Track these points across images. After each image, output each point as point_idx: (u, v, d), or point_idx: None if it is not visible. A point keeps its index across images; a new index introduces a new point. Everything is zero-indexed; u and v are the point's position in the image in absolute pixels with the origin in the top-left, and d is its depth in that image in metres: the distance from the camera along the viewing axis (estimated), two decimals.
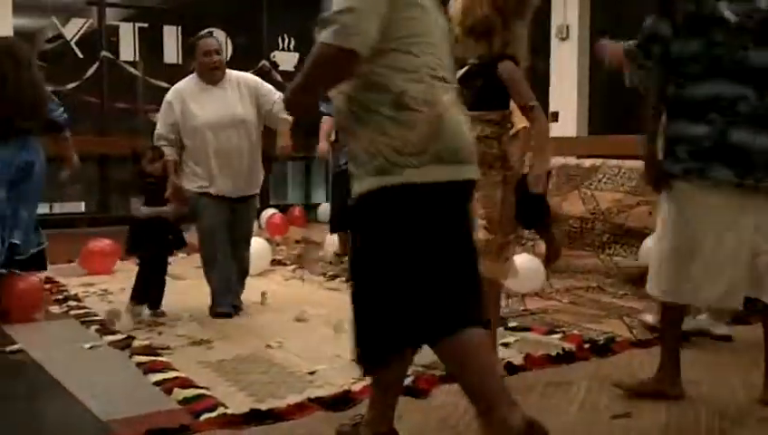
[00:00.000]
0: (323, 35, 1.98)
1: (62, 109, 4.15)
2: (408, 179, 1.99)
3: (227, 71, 4.30)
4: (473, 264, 2.16)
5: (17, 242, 3.81)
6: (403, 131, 1.99)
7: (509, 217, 2.99)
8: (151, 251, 4.10)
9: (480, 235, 2.89)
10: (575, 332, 3.74)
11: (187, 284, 5.01)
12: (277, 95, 4.24)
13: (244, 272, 4.41)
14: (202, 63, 4.20)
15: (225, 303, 4.18)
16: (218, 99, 4.19)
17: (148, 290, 4.12)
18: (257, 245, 5.39)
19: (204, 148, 4.18)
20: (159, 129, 4.27)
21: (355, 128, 2.07)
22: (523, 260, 4.52)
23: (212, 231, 4.20)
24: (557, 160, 7.11)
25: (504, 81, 2.90)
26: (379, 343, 2.13)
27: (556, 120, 7.33)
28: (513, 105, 3.01)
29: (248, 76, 4.42)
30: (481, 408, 2.01)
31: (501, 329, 3.80)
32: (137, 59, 8.95)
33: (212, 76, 4.20)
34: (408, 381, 2.93)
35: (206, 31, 4.81)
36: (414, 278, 2.02)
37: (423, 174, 1.99)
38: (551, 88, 7.39)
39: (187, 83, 4.28)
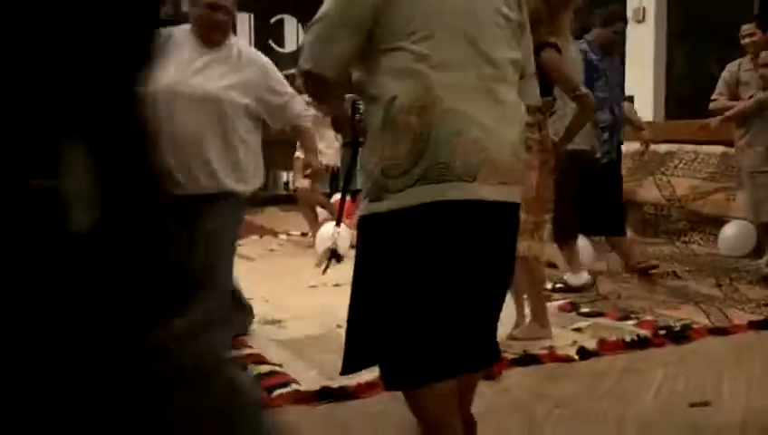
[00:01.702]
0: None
1: None
2: (390, 207, 1.74)
3: (235, 40, 3.20)
4: (485, 298, 1.86)
5: None
6: (390, 149, 1.74)
7: (544, 198, 3.16)
8: None
9: None
10: (649, 318, 3.67)
11: (256, 264, 5.09)
12: (296, 99, 3.27)
13: (231, 303, 3.22)
14: (201, 17, 3.05)
15: None
16: (198, 65, 3.04)
17: None
18: (326, 230, 5.44)
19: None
20: None
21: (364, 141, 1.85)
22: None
23: None
24: (630, 145, 6.98)
25: (546, 69, 2.94)
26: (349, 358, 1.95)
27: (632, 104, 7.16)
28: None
29: (260, 58, 3.22)
30: None
31: (573, 314, 3.77)
32: None
33: (209, 35, 3.06)
34: None
35: None
36: (400, 314, 1.78)
37: (405, 197, 1.72)
38: (626, 71, 7.21)
39: (179, 34, 3.10)
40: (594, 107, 3.27)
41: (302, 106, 3.27)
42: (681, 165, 6.36)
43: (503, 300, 1.96)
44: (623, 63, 4.99)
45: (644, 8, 6.94)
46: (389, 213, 1.74)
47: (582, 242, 4.66)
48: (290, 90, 3.21)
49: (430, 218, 1.72)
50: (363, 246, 1.84)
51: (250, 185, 3.15)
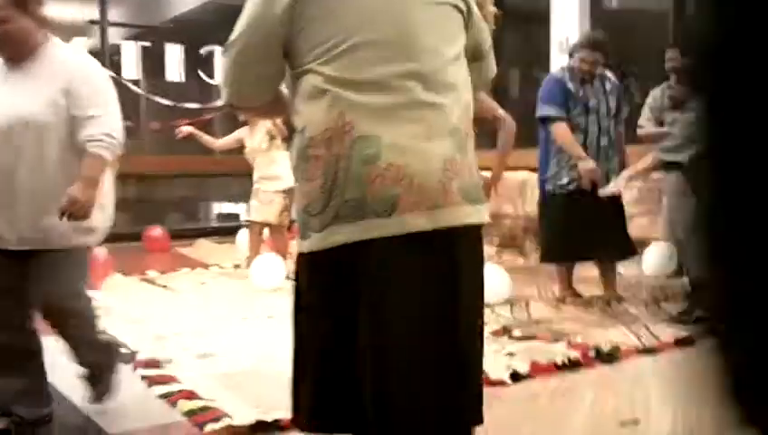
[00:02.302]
0: None
1: None
2: (311, 247, 1.59)
3: (51, 46, 2.56)
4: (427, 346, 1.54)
5: None
6: (305, 185, 1.59)
7: None
8: None
9: None
10: (580, 340, 3.73)
11: (187, 297, 5.00)
12: (102, 121, 2.46)
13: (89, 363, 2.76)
14: None
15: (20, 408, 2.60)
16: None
17: None
18: (272, 259, 5.38)
19: None
20: None
21: None
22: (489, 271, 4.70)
23: None
24: None
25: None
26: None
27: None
28: None
29: (76, 61, 2.56)
30: None
31: (506, 338, 3.81)
32: (139, 77, 9.01)
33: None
34: None
35: None
36: (305, 359, 1.68)
37: (323, 238, 1.56)
38: None
39: None
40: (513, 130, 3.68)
41: (104, 130, 2.46)
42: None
43: (466, 347, 1.59)
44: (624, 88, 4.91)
45: (568, 38, 7.14)
46: (310, 254, 1.60)
47: (497, 272, 4.80)
48: (100, 110, 2.47)
49: (348, 260, 1.54)
50: (295, 285, 1.72)
51: (92, 234, 2.57)
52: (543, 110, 4.51)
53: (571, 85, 4.50)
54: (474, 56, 1.77)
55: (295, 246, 1.83)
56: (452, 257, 1.56)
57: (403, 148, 1.52)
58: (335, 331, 1.59)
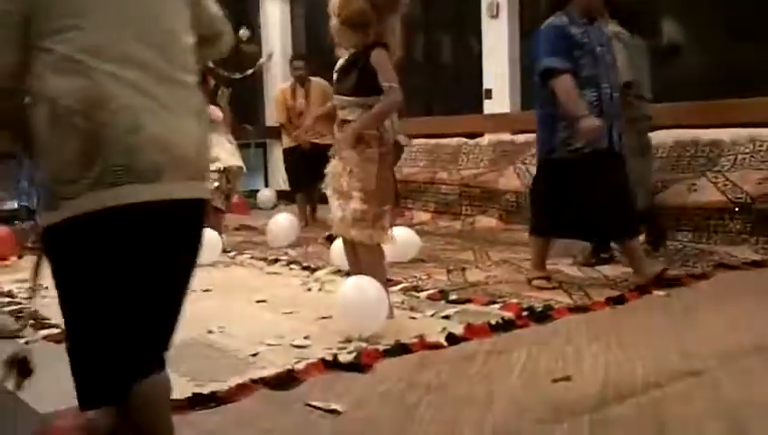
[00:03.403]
0: None
1: None
2: (64, 215, 1.60)
3: None
4: (168, 303, 1.82)
5: None
6: (58, 153, 1.59)
7: (384, 189, 3.40)
8: None
9: (356, 205, 3.35)
10: (514, 301, 3.80)
11: None
12: None
13: None
14: None
15: None
16: None
17: None
18: (207, 235, 5.32)
19: None
20: None
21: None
22: (400, 232, 4.89)
23: None
24: (493, 137, 7.21)
25: (374, 65, 3.30)
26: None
27: (490, 98, 7.39)
28: None
29: None
30: None
31: (442, 302, 3.86)
32: None
33: None
34: (351, 356, 2.96)
35: None
36: (84, 328, 1.72)
37: (79, 205, 1.58)
38: (483, 66, 7.44)
39: None
40: (396, 102, 3.36)
41: None
42: None
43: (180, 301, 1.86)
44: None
45: (497, 4, 7.17)
46: (65, 222, 1.60)
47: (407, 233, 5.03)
48: None
49: (112, 224, 1.59)
50: (51, 262, 1.69)
51: None
52: (545, 62, 3.93)
53: (574, 31, 3.96)
54: (211, 39, 1.94)
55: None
56: (200, 223, 1.79)
57: (167, 122, 1.63)
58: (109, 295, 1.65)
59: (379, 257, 3.52)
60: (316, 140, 6.48)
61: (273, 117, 8.71)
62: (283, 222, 6.13)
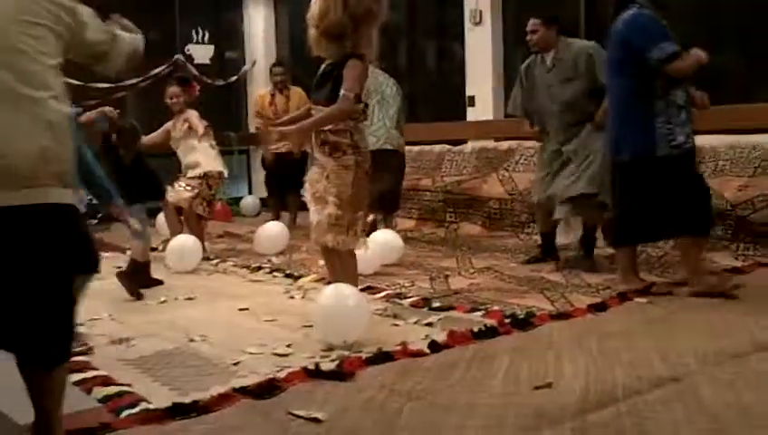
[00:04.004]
0: None
1: None
2: None
3: None
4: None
5: None
6: None
7: (359, 196, 3.46)
8: None
9: (331, 210, 3.42)
10: (497, 308, 3.81)
11: (103, 283, 4.87)
12: None
13: None
14: None
15: None
16: None
17: None
18: (188, 241, 5.32)
19: None
20: None
21: None
22: (385, 235, 5.16)
23: None
24: (476, 144, 7.23)
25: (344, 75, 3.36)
26: None
27: (473, 105, 7.42)
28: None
29: None
30: None
31: (425, 309, 3.86)
32: None
33: None
34: (333, 364, 2.95)
35: None
36: None
37: None
38: (467, 72, 7.47)
39: None
40: (344, 111, 3.36)
41: None
42: (522, 160, 6.65)
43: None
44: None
45: (480, 11, 7.20)
46: None
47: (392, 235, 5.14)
48: None
49: None
50: None
51: None
52: (667, 47, 3.72)
53: (663, 22, 3.83)
54: (97, 59, 2.33)
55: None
56: (42, 227, 1.99)
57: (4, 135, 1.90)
58: None
59: (350, 264, 3.61)
60: (282, 151, 6.66)
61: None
62: (272, 229, 6.11)
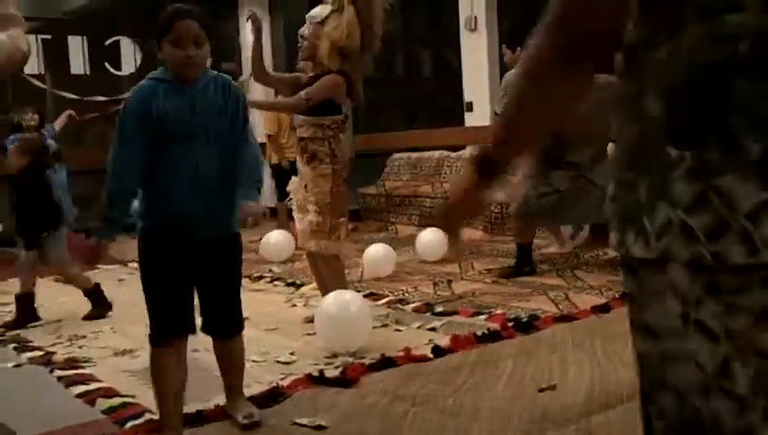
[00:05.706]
0: None
1: None
2: None
3: None
4: None
5: None
6: None
7: (338, 202, 3.57)
8: None
9: (312, 217, 3.54)
10: (500, 311, 3.81)
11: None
12: None
13: None
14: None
15: None
16: None
17: None
18: None
19: None
20: None
21: None
22: (378, 248, 5.14)
23: None
24: (475, 149, 7.23)
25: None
26: None
27: (471, 110, 7.43)
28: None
29: None
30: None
31: (428, 314, 3.86)
32: (42, 72, 8.68)
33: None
34: (336, 371, 2.95)
35: None
36: None
37: None
38: (463, 79, 7.48)
39: None
40: (292, 107, 3.66)
41: None
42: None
43: None
44: None
45: (475, 17, 7.21)
46: None
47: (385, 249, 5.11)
48: None
49: None
50: None
51: None
52: None
53: None
54: None
55: None
56: None
57: None
58: None
59: (336, 267, 3.69)
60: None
61: (259, 130, 8.74)
62: (279, 237, 6.12)
